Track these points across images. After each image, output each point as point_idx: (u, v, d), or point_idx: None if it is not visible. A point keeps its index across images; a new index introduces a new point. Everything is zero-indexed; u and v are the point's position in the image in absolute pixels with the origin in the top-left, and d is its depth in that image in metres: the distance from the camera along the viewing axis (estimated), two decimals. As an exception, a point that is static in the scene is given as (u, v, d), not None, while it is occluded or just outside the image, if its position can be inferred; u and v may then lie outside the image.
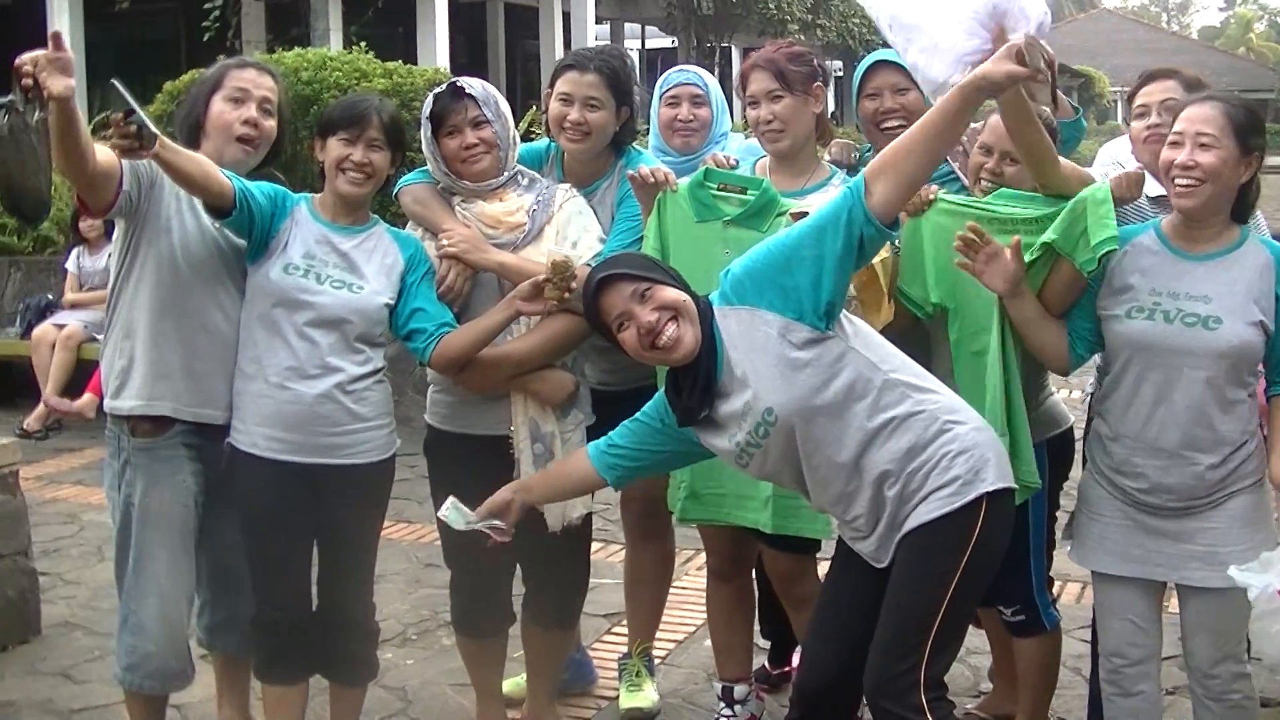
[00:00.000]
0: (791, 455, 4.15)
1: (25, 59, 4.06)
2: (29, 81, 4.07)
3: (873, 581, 4.17)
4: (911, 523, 4.03)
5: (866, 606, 4.17)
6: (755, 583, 5.59)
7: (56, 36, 4.16)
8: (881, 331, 4.48)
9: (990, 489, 4.02)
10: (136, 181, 4.62)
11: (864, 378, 4.05)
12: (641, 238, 4.99)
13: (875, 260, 4.45)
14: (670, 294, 4.14)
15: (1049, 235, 4.45)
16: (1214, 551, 4.41)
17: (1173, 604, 4.72)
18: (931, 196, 4.71)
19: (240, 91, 4.83)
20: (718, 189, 4.89)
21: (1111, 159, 5.80)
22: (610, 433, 4.54)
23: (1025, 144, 4.49)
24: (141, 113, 4.13)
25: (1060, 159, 4.59)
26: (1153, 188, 4.85)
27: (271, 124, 4.88)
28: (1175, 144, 4.35)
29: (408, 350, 4.83)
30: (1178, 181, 4.33)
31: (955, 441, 4.05)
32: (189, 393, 4.77)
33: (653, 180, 4.89)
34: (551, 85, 5.16)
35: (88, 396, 10.91)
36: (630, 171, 4.97)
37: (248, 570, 4.88)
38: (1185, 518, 4.44)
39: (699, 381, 4.17)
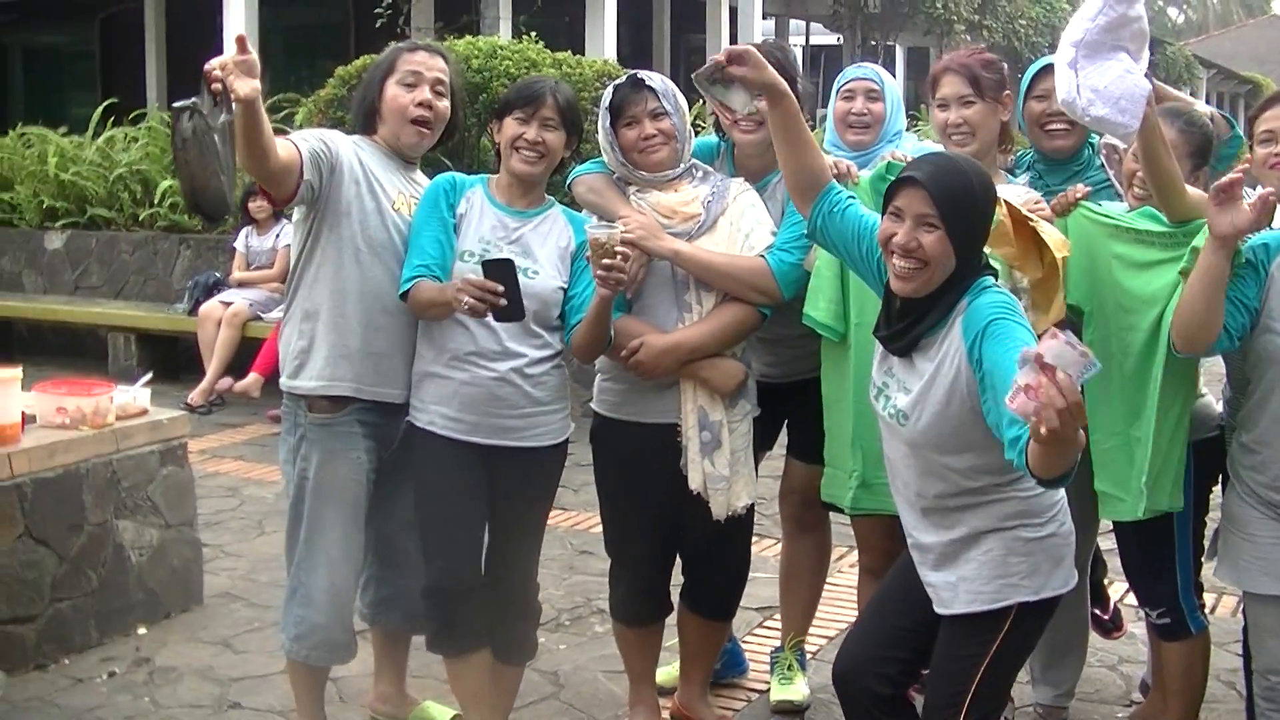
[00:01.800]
0: (896, 446, 4.21)
1: (214, 64, 4.21)
2: (218, 86, 4.21)
3: (919, 603, 4.23)
4: (949, 610, 4.09)
5: (905, 612, 4.30)
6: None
7: (242, 40, 4.31)
8: None
9: (1026, 600, 4.01)
10: (317, 170, 4.73)
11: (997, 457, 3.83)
12: None
13: (1058, 255, 4.44)
14: (937, 246, 3.96)
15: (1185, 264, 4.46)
16: None
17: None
18: (1078, 196, 4.73)
19: (413, 75, 4.91)
20: None
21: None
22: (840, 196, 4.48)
23: (1156, 176, 4.49)
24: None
25: (1187, 189, 4.56)
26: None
27: (445, 105, 4.96)
28: None
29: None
30: None
31: (1017, 542, 4.01)
32: (369, 373, 4.87)
33: (835, 172, 4.87)
34: None
35: (253, 376, 11.12)
36: (834, 163, 4.95)
37: (415, 548, 4.97)
38: None
39: (906, 322, 4.08)
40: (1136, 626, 6.07)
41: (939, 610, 4.12)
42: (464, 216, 4.82)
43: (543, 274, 4.79)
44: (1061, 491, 4.02)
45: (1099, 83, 4.37)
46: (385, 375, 4.89)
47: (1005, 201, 4.44)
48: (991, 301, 3.93)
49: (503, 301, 4.45)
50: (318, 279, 4.87)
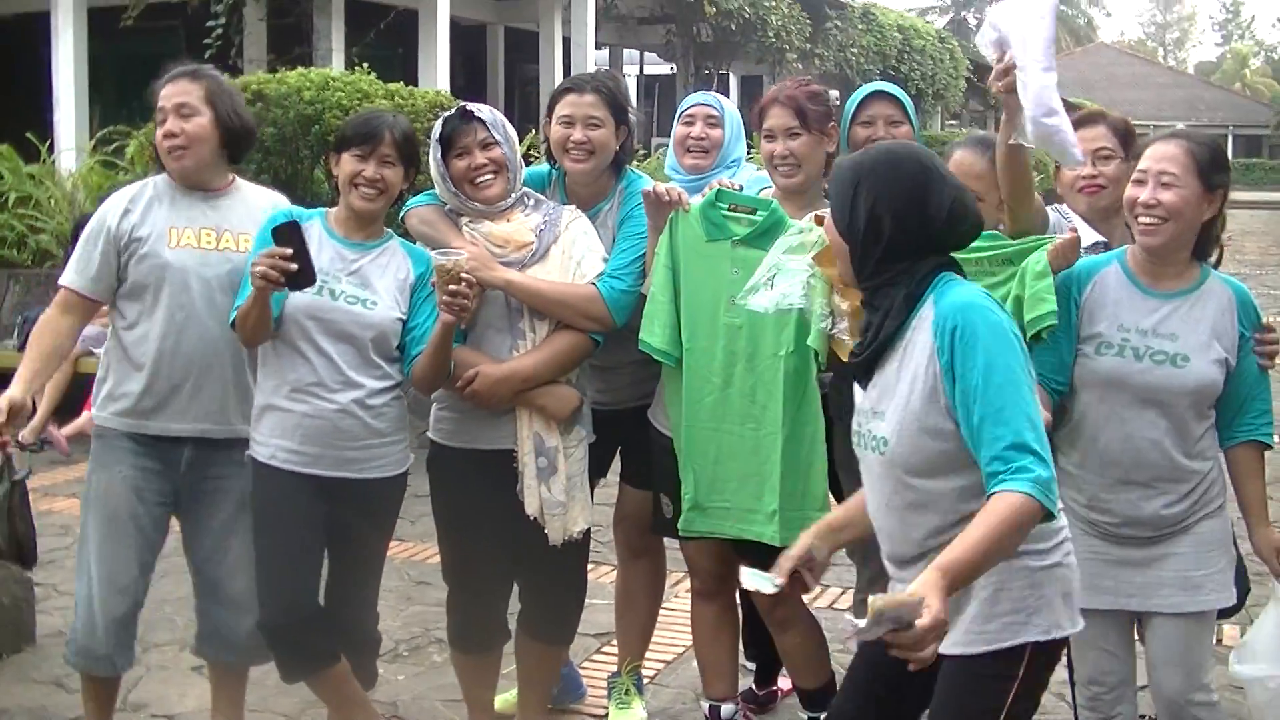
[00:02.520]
0: (880, 489, 3.80)
1: None
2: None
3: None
4: (948, 646, 3.54)
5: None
6: (741, 604, 5.65)
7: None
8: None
9: (1037, 639, 3.65)
10: (108, 281, 5.12)
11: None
12: (643, 255, 5.08)
13: None
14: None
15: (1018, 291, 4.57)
16: (1186, 576, 4.49)
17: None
18: None
19: (161, 110, 5.07)
20: (728, 209, 4.96)
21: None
22: None
23: (1013, 182, 4.62)
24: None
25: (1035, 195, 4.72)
26: (1088, 235, 4.91)
27: (196, 123, 5.04)
28: (1139, 182, 4.40)
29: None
30: (1141, 219, 4.37)
31: (1021, 573, 3.62)
32: (148, 408, 5.02)
33: (667, 199, 4.97)
34: (550, 111, 5.24)
35: (85, 415, 10.96)
36: (645, 188, 5.04)
37: (236, 584, 5.02)
38: (1153, 545, 4.51)
39: (868, 342, 3.76)
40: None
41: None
42: None
43: (381, 305, 4.83)
44: (1064, 519, 3.76)
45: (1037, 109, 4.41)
46: (168, 410, 5.00)
47: None
48: (960, 304, 3.58)
49: (293, 266, 4.54)
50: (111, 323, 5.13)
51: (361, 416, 4.81)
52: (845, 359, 4.62)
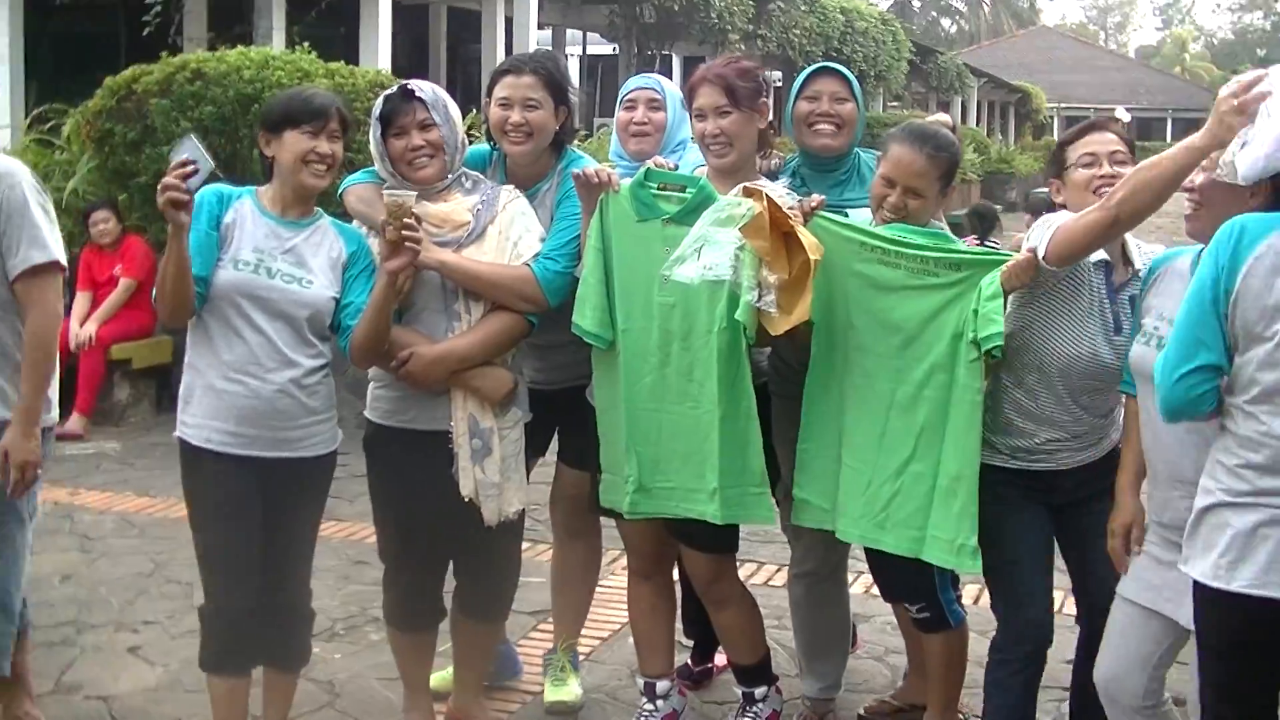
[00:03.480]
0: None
1: None
2: None
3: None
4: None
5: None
6: (679, 582, 5.69)
7: None
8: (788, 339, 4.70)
9: None
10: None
11: None
12: (579, 236, 5.08)
13: (811, 257, 4.57)
14: None
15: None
16: None
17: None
18: (813, 206, 4.82)
19: None
20: (658, 188, 4.97)
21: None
22: None
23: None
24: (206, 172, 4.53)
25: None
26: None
27: None
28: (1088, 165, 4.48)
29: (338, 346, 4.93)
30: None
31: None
32: None
33: (596, 180, 4.97)
34: (489, 92, 5.25)
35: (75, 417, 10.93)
36: (575, 170, 5.05)
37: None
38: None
39: None
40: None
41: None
42: (231, 226, 4.80)
43: (317, 283, 4.81)
44: None
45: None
46: None
47: (766, 195, 4.55)
48: None
49: (191, 168, 4.48)
50: None
51: (298, 396, 4.78)
52: (774, 333, 4.67)
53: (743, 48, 24.49)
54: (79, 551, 7.90)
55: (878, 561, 5.22)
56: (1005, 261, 4.62)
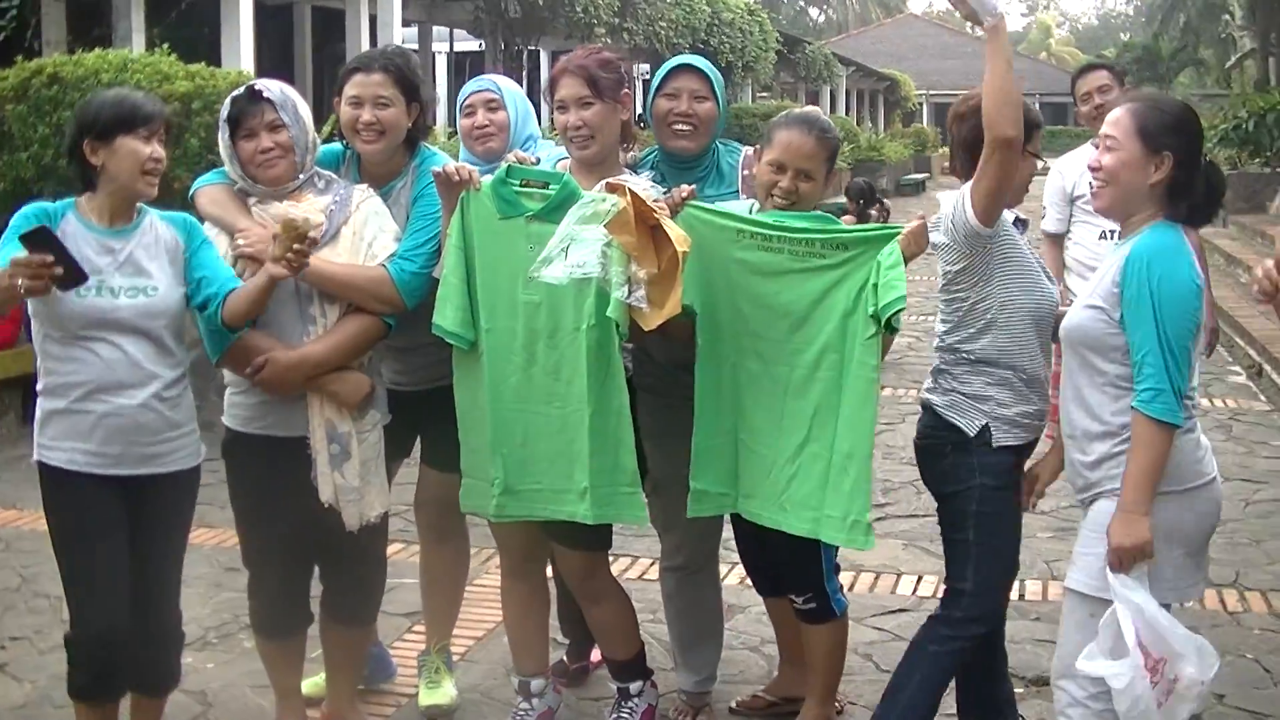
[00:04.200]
0: None
1: None
2: None
3: None
4: None
5: None
6: (553, 580, 5.68)
7: None
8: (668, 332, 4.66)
9: None
10: None
11: None
12: (436, 236, 5.06)
13: (679, 249, 4.57)
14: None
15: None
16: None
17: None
18: (684, 195, 4.88)
19: None
20: (520, 185, 4.94)
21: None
22: None
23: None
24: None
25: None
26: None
27: None
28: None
29: (205, 330, 4.84)
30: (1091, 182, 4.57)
31: None
32: None
33: (457, 178, 4.94)
34: (339, 91, 5.20)
35: None
36: (435, 168, 5.01)
37: None
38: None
39: None
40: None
41: None
42: None
43: (162, 287, 4.67)
44: None
45: None
46: None
47: (630, 191, 4.55)
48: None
49: (59, 270, 4.26)
50: None
51: (160, 409, 4.66)
52: (646, 328, 4.67)
53: (609, 41, 24.48)
54: (-57, 568, 7.76)
55: (770, 555, 5.27)
56: (895, 234, 4.73)
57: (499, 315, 4.94)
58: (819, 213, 4.97)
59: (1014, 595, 5.69)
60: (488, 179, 5.01)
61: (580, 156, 5.10)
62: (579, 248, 4.62)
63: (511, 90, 5.68)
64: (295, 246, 4.51)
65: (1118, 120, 4.37)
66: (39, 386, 4.73)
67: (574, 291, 4.78)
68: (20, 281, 4.23)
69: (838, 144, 5.12)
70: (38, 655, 6.40)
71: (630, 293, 4.62)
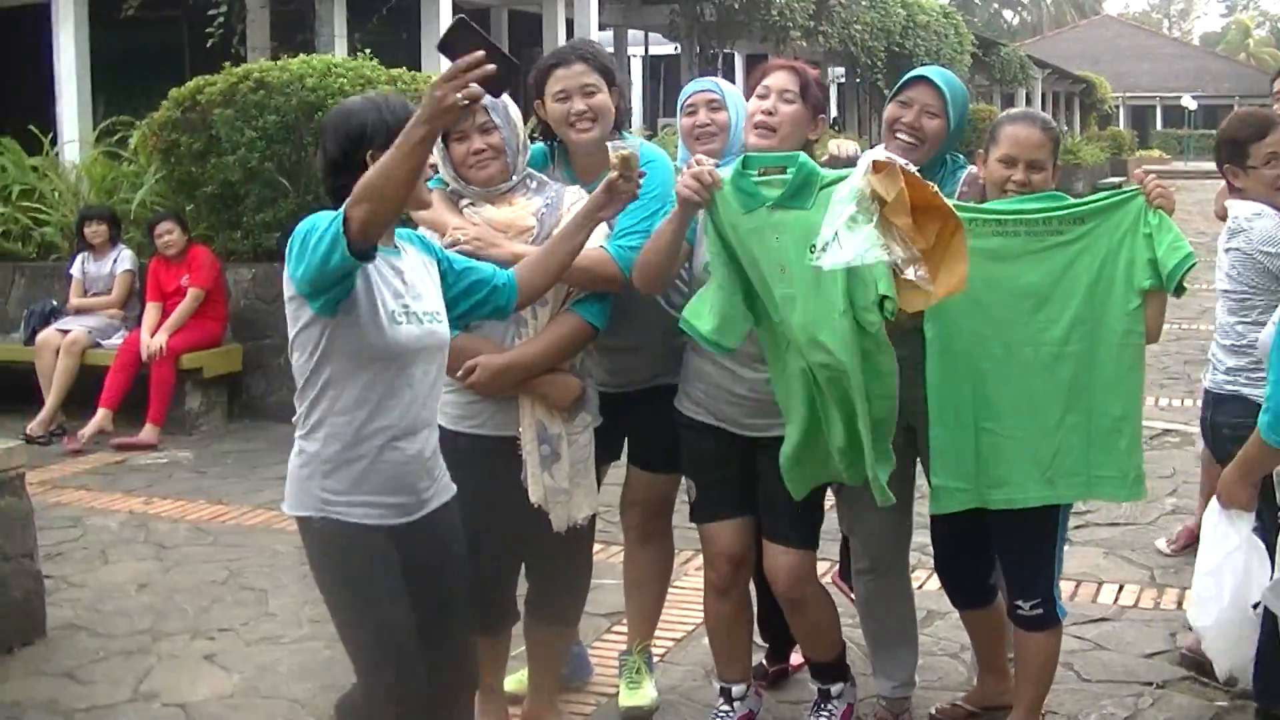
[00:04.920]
0: None
1: None
2: None
3: None
4: None
5: None
6: (754, 585, 5.65)
7: None
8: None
9: None
10: None
11: None
12: (654, 213, 5.02)
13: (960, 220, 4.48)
14: None
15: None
16: None
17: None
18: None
19: None
20: (759, 174, 4.81)
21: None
22: None
23: None
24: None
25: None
26: None
27: None
28: None
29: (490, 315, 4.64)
30: None
31: None
32: None
33: (710, 180, 4.73)
34: (540, 91, 5.23)
35: (101, 412, 11.01)
36: (685, 175, 4.78)
37: None
38: None
39: None
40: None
41: None
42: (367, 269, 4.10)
43: (442, 312, 4.35)
44: None
45: None
46: None
47: (900, 167, 4.39)
48: None
49: (491, 66, 3.64)
50: None
51: (435, 446, 4.40)
52: (911, 310, 4.54)
53: (804, 44, 24.46)
54: (154, 560, 7.95)
55: (1005, 559, 5.23)
56: (1132, 196, 4.78)
57: (767, 311, 4.83)
58: (1051, 191, 4.94)
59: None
60: (725, 172, 4.87)
61: (755, 145, 5.03)
62: (852, 234, 4.39)
63: (732, 92, 5.66)
64: (633, 172, 4.58)
65: None
66: (317, 429, 4.24)
67: (826, 279, 4.55)
68: (457, 96, 3.64)
69: (1059, 136, 5.10)
70: (244, 646, 6.54)
71: (915, 271, 4.43)
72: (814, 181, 4.69)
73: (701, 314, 4.87)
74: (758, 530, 5.24)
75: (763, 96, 5.03)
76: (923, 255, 4.42)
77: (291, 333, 4.19)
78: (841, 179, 4.51)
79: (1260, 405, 4.85)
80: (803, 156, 4.78)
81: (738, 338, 4.85)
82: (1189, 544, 7.84)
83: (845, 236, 4.36)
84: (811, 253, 4.50)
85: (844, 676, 5.47)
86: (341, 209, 3.80)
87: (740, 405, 5.10)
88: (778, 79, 5.05)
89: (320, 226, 3.87)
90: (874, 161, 4.44)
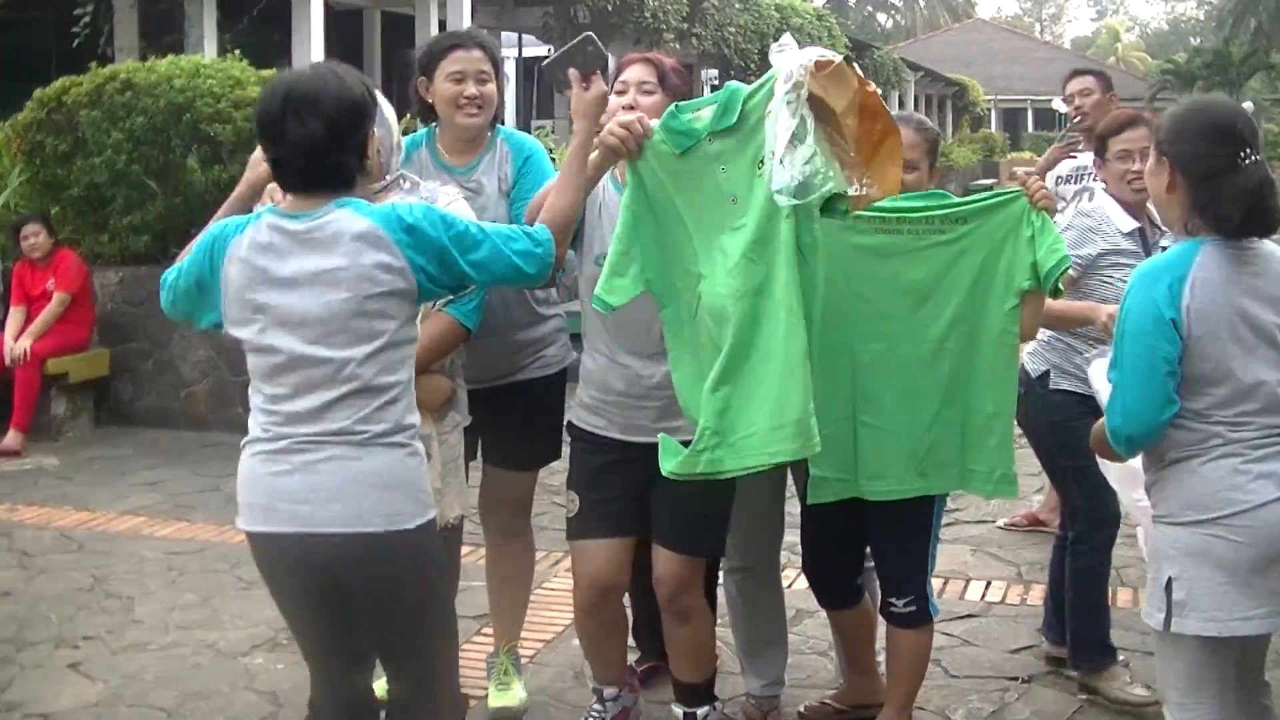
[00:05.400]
0: None
1: None
2: None
3: None
4: None
5: None
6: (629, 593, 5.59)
7: None
8: None
9: None
10: None
11: None
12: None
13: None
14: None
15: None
16: None
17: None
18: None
19: None
20: (691, 116, 4.63)
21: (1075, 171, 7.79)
22: None
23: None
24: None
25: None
26: (1126, 223, 5.67)
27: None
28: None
29: None
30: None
31: None
32: None
33: (640, 129, 4.60)
34: (427, 69, 5.24)
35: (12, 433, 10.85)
36: (613, 127, 4.62)
37: None
38: None
39: None
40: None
41: None
42: None
43: None
44: None
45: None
46: None
47: (859, 76, 4.28)
48: None
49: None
50: None
51: None
52: (856, 209, 4.53)
53: (678, 46, 24.49)
54: (18, 568, 7.83)
55: (880, 557, 5.27)
56: (1013, 197, 4.81)
57: (674, 283, 4.67)
58: (934, 190, 5.01)
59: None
60: (654, 123, 4.68)
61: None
62: (794, 154, 4.21)
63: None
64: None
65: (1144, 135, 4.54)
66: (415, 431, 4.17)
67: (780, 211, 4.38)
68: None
69: (937, 135, 5.17)
70: (110, 655, 6.46)
71: (858, 184, 4.35)
72: (737, 99, 4.50)
73: (614, 285, 4.60)
74: (637, 550, 5.13)
75: (621, 92, 4.94)
76: (863, 158, 4.34)
77: (377, 344, 3.97)
78: (768, 86, 4.35)
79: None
80: (732, 85, 4.61)
81: (622, 298, 4.62)
82: (1028, 526, 8.25)
83: (789, 157, 4.21)
84: (760, 172, 4.38)
85: (710, 700, 5.30)
86: (545, 240, 4.18)
87: (646, 410, 4.94)
88: (634, 72, 4.98)
89: (524, 250, 4.14)
90: (816, 62, 4.23)
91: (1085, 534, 5.82)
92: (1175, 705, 4.17)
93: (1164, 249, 4.82)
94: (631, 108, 4.84)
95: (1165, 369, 3.95)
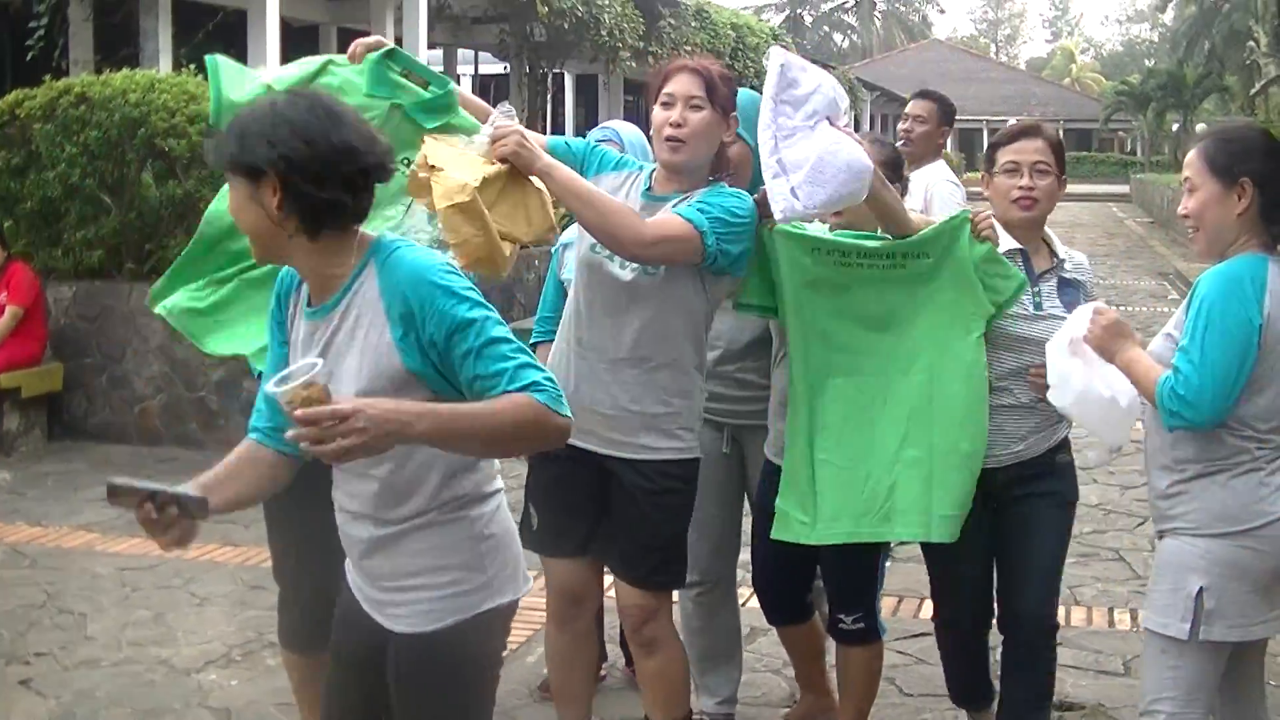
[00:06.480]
0: None
1: None
2: None
3: None
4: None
5: None
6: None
7: None
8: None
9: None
10: None
11: None
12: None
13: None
14: None
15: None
16: None
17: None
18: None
19: None
20: (401, 73, 4.67)
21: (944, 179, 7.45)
22: None
23: (880, 208, 4.71)
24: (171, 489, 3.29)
25: (910, 215, 4.86)
26: (1006, 242, 4.87)
27: None
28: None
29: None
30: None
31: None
32: None
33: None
34: None
35: None
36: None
37: None
38: None
39: None
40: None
41: None
42: None
43: None
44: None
45: (807, 175, 4.42)
46: None
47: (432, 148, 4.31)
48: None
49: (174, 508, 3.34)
50: None
51: None
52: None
53: (634, 65, 24.53)
54: (-32, 584, 7.77)
55: (829, 572, 5.22)
56: (964, 220, 4.79)
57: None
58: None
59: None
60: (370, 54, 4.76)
61: (667, 161, 4.67)
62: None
63: (629, 134, 5.64)
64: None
65: (1190, 162, 4.33)
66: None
67: None
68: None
69: (895, 152, 5.20)
70: (62, 671, 6.40)
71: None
72: (448, 111, 4.69)
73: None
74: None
75: (667, 105, 4.60)
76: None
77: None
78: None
79: None
80: (450, 84, 4.76)
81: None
82: None
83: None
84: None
85: None
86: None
87: (602, 416, 4.72)
88: (680, 84, 4.60)
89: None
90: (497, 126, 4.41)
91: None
92: (1167, 715, 4.24)
93: (1066, 280, 4.85)
94: (679, 125, 4.57)
95: (1249, 366, 4.08)
